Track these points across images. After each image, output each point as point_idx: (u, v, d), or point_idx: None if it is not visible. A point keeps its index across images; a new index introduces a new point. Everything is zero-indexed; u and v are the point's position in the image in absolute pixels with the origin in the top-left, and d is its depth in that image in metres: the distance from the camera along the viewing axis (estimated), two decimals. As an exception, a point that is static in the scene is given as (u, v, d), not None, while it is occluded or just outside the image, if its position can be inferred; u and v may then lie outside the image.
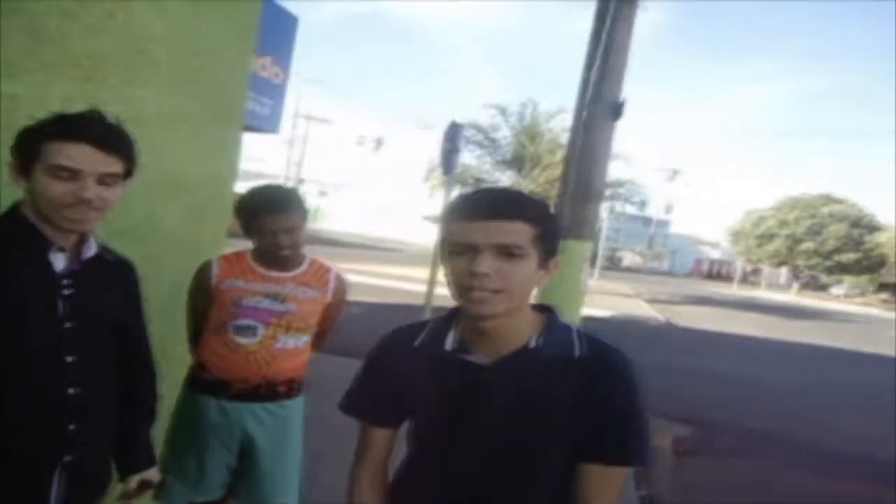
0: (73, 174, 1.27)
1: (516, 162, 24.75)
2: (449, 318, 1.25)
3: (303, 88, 32.89)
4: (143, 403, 1.63)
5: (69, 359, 1.35)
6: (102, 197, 1.32)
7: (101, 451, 1.47)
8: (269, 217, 2.03)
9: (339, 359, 3.73)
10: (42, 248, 1.33)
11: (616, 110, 6.22)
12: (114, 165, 1.34)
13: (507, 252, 1.09)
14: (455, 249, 1.13)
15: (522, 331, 1.18)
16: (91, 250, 1.42)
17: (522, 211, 1.12)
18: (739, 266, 49.43)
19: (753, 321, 19.24)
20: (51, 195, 1.28)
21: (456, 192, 7.01)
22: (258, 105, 7.34)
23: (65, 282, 1.36)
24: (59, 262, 1.36)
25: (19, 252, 1.31)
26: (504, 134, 25.03)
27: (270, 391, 2.12)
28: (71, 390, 1.35)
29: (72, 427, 1.36)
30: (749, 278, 52.77)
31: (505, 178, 25.19)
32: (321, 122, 37.51)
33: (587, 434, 1.14)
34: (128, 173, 1.41)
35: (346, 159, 73.43)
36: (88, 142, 1.29)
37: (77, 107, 1.40)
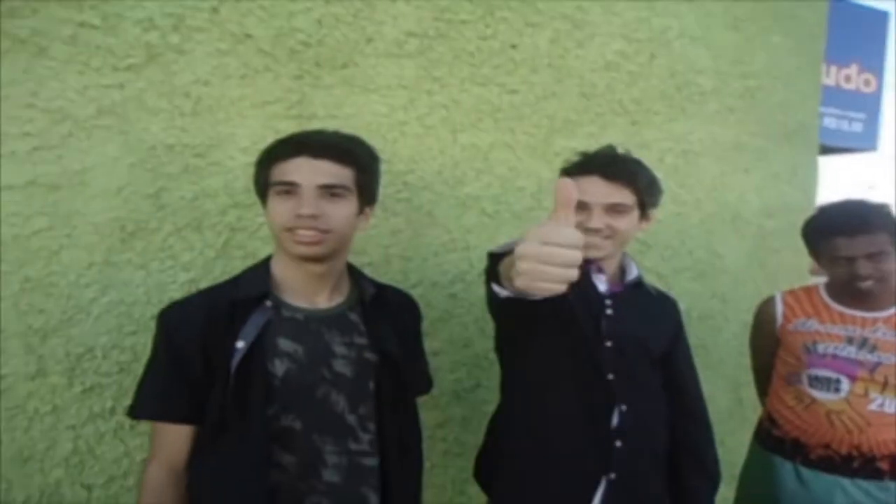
0: (583, 206, 1.34)
1: None
2: None
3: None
4: (703, 466, 1.50)
5: (610, 376, 1.37)
6: (612, 226, 1.34)
7: (646, 475, 1.40)
8: (843, 239, 1.60)
9: None
10: (586, 270, 1.41)
11: None
12: (620, 195, 1.35)
13: None
14: None
15: None
16: (631, 275, 1.46)
17: None
18: None
19: None
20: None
21: None
22: (844, 122, 6.36)
23: (607, 302, 1.40)
24: (601, 283, 1.41)
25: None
26: None
27: (866, 467, 1.63)
28: (623, 407, 1.36)
29: (618, 444, 1.35)
30: None
31: None
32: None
33: None
34: (641, 204, 1.39)
35: None
36: (595, 173, 1.35)
37: (626, 147, 1.47)
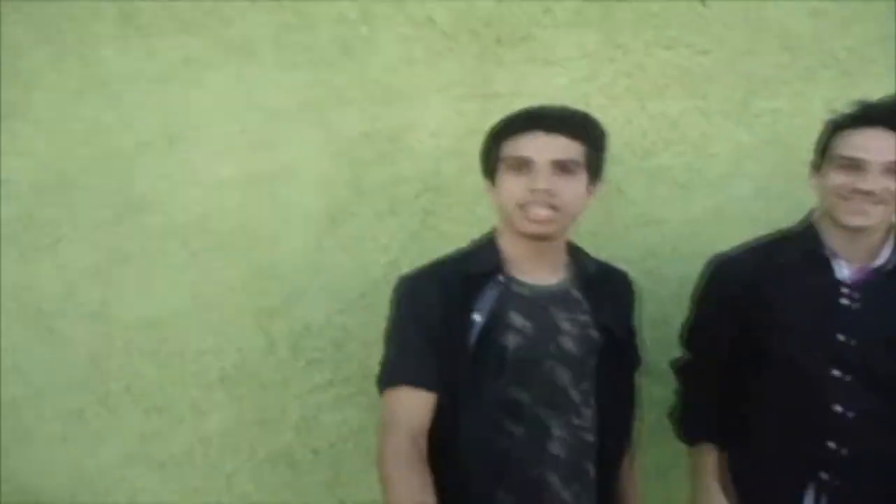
0: (857, 164, 1.16)
1: None
2: None
3: None
4: None
5: (836, 373, 1.22)
6: (889, 188, 1.15)
7: (872, 479, 1.23)
8: None
9: None
10: (824, 256, 1.25)
11: None
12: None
13: None
14: None
15: None
16: (882, 258, 1.24)
17: None
18: None
19: None
20: (833, 184, 1.20)
21: None
22: None
23: (844, 290, 1.23)
24: (841, 269, 1.24)
25: (805, 258, 1.27)
26: None
27: None
28: (838, 408, 1.21)
29: (830, 444, 1.21)
30: None
31: None
32: None
33: None
34: None
35: None
36: (879, 124, 1.17)
37: (837, 105, 1.28)
